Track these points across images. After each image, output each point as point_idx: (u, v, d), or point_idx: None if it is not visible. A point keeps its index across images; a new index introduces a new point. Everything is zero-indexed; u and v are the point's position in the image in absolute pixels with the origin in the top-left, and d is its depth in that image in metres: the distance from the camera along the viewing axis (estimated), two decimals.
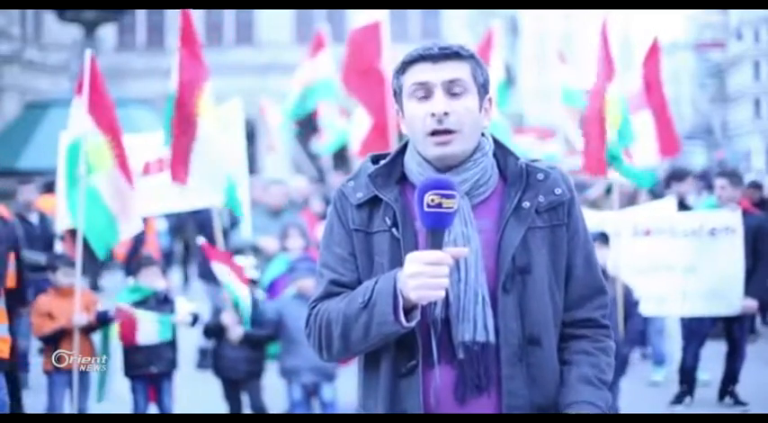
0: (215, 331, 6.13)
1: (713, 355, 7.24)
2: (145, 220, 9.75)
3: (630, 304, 6.11)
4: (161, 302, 5.89)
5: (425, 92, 2.18)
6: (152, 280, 5.93)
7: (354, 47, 9.92)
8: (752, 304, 6.73)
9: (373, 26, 9.75)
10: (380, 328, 2.07)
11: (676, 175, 8.21)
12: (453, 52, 2.18)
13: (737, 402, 7.02)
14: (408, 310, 2.06)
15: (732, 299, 6.57)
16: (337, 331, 2.15)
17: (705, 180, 13.03)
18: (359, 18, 10.34)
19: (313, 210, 10.16)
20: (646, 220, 6.73)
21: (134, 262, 6.27)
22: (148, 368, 5.76)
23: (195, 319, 5.97)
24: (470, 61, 2.21)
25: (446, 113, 2.15)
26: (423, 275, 1.99)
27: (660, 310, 6.87)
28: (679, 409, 6.91)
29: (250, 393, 6.16)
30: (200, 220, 9.22)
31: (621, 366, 5.98)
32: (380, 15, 9.84)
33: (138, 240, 10.39)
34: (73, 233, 6.54)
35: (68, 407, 5.87)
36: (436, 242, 2.02)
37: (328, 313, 2.17)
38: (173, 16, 30.85)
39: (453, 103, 2.16)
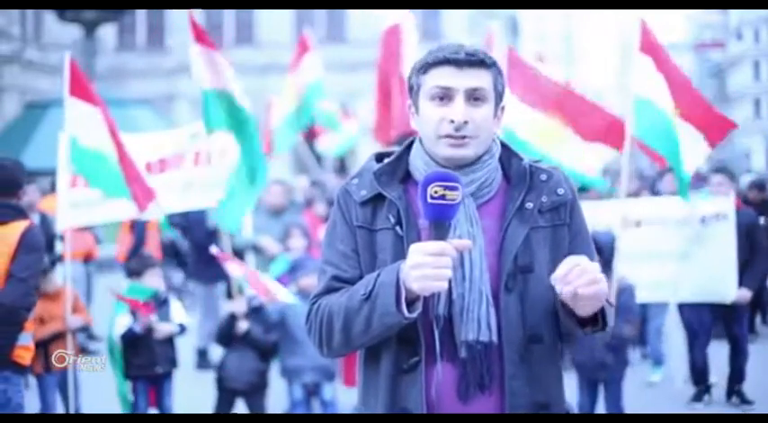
0: (227, 338, 6.09)
1: (715, 356, 7.23)
2: (146, 221, 9.76)
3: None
4: (160, 304, 5.87)
5: (446, 96, 2.17)
6: (155, 281, 5.92)
7: (382, 49, 10.34)
8: (745, 294, 6.78)
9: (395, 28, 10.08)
10: (382, 319, 2.07)
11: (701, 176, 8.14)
12: (479, 60, 2.17)
13: (744, 401, 7.04)
14: (411, 302, 2.05)
15: (726, 286, 6.59)
16: (338, 324, 2.15)
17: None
18: (386, 19, 10.58)
19: (316, 211, 10.13)
20: (637, 211, 6.73)
21: (134, 261, 6.22)
22: (153, 369, 5.75)
23: (182, 329, 5.93)
24: (493, 70, 2.21)
25: (465, 122, 2.15)
26: (425, 266, 1.98)
27: (653, 297, 6.90)
28: (699, 408, 6.97)
29: (252, 409, 6.10)
30: (190, 220, 9.15)
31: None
32: (402, 16, 10.20)
33: (139, 241, 10.36)
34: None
35: (61, 408, 5.86)
36: (440, 234, 2.01)
37: (329, 307, 2.17)
38: (173, 16, 30.90)
39: (473, 111, 2.16)
